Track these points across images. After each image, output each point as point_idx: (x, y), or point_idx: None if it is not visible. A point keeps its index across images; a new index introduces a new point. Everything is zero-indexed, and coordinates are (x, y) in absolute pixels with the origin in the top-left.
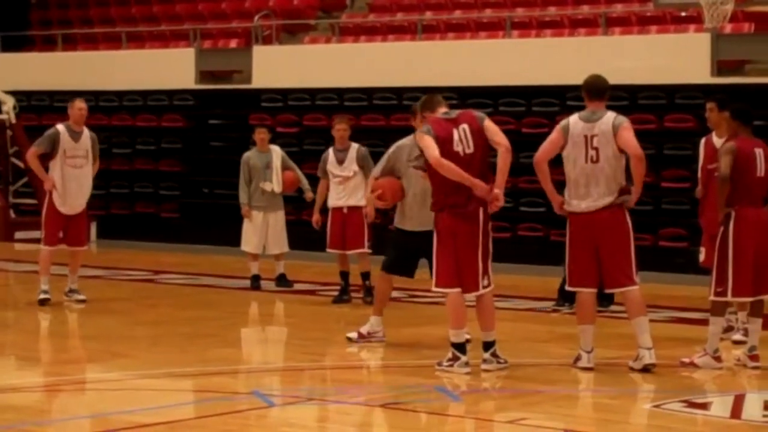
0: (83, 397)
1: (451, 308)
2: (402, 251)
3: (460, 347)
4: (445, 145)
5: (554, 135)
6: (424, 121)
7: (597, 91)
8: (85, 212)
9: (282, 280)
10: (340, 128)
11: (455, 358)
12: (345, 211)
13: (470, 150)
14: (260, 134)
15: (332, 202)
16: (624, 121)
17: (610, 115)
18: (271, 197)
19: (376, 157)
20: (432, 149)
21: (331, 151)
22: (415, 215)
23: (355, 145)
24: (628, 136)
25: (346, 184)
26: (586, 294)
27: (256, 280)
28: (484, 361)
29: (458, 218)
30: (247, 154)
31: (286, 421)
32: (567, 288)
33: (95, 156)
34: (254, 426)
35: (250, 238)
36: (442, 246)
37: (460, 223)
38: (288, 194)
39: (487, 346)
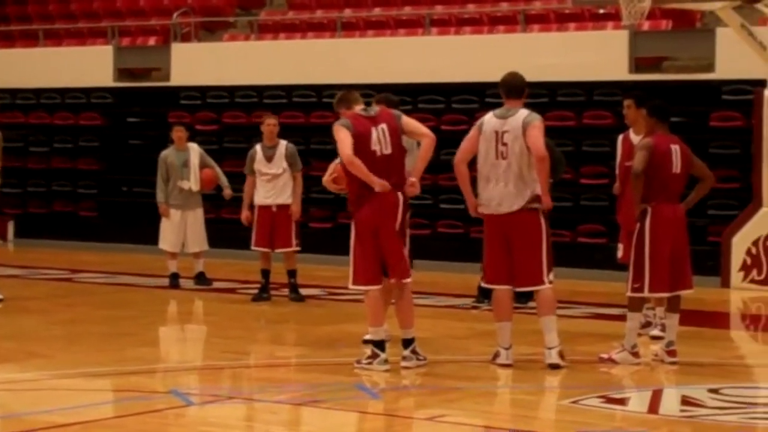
0: None
1: (370, 306)
2: None
3: (379, 345)
4: (361, 142)
5: (471, 133)
6: (343, 114)
7: (513, 89)
8: None
9: (201, 279)
10: (270, 123)
11: (374, 356)
12: (274, 209)
13: (388, 151)
14: (178, 132)
15: (260, 200)
16: (535, 119)
17: (523, 113)
18: (189, 195)
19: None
20: (346, 146)
21: (258, 148)
22: None
23: (283, 142)
24: (536, 134)
25: (275, 182)
26: (502, 291)
27: (174, 278)
28: (404, 358)
29: (379, 211)
30: (164, 153)
31: (204, 420)
32: (482, 285)
33: None
34: (172, 425)
35: (168, 236)
36: (360, 242)
37: (381, 216)
38: (206, 192)
39: (407, 343)
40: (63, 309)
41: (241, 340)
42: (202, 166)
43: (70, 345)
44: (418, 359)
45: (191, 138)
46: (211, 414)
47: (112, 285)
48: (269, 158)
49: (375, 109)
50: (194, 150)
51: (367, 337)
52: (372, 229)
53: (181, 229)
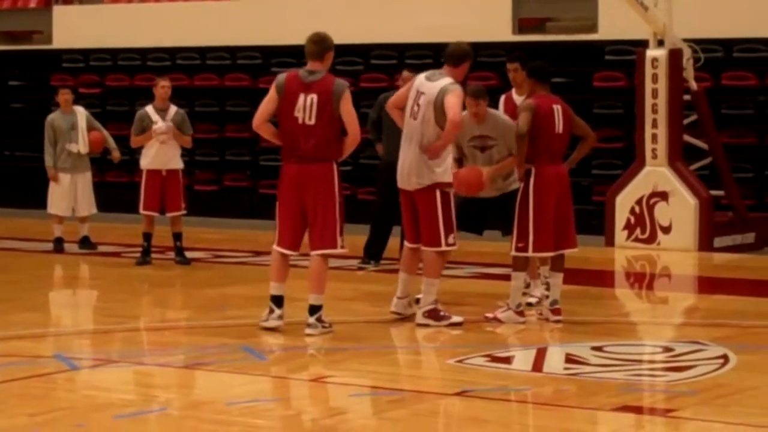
0: None
1: (274, 262)
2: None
3: (277, 300)
4: (285, 103)
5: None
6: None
7: (453, 57)
8: None
9: (86, 243)
10: (164, 86)
11: (270, 311)
12: (164, 173)
13: (311, 122)
14: (63, 95)
15: (149, 165)
16: (456, 89)
17: (446, 80)
18: (77, 159)
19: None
20: (260, 110)
21: (150, 110)
22: None
23: (174, 107)
24: (452, 100)
25: (167, 141)
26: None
27: (59, 242)
28: (308, 325)
29: (299, 172)
30: (51, 117)
31: (89, 384)
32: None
33: None
34: (58, 389)
35: (58, 200)
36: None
37: (300, 176)
38: (95, 154)
39: (313, 310)
40: None
41: (126, 304)
42: (90, 128)
43: None
44: (323, 327)
45: (75, 101)
46: (96, 378)
47: None
48: (160, 120)
49: (321, 74)
50: (81, 113)
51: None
52: (296, 189)
53: (71, 193)
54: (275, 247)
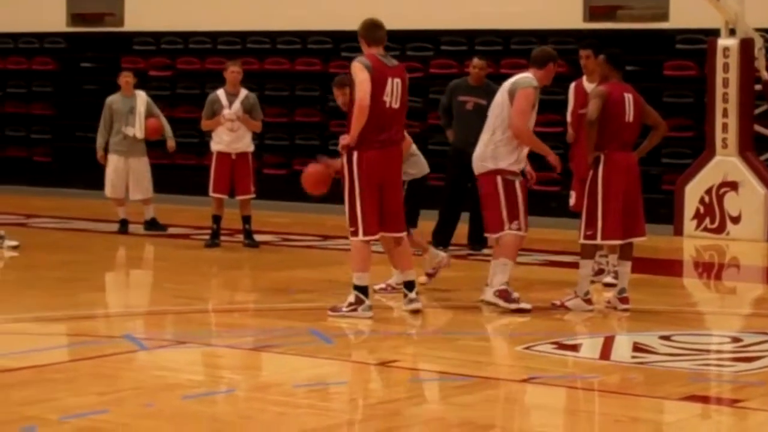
0: None
1: (359, 251)
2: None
3: (365, 290)
4: (376, 89)
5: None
6: (365, 48)
7: (537, 60)
8: None
9: (153, 224)
10: (234, 71)
11: (359, 302)
12: (233, 156)
13: (396, 105)
14: (125, 78)
15: (219, 147)
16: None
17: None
18: (133, 142)
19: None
20: (362, 87)
21: (221, 93)
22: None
23: (244, 91)
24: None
25: (236, 129)
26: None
27: (123, 224)
28: (411, 300)
29: (389, 159)
30: (110, 98)
31: (157, 365)
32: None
33: None
34: (125, 369)
35: (112, 182)
36: (367, 190)
37: (389, 164)
38: (150, 140)
39: (413, 285)
40: (17, 254)
41: (195, 286)
42: (148, 114)
43: (24, 289)
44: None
45: (145, 84)
46: (163, 358)
47: (66, 230)
48: (230, 105)
49: (392, 59)
50: (141, 97)
51: (355, 282)
52: (378, 175)
53: (124, 176)
54: (362, 237)
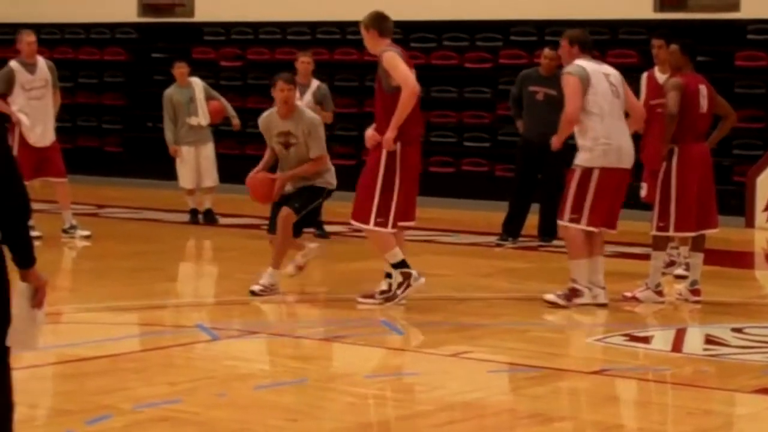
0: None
1: (385, 240)
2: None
3: (404, 263)
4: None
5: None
6: (377, 40)
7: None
8: (57, 144)
9: (209, 216)
10: (304, 61)
11: (407, 276)
12: None
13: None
14: (179, 69)
15: None
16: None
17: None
18: (198, 131)
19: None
20: (411, 76)
21: None
22: None
23: (315, 82)
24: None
25: None
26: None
27: (194, 214)
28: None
29: (418, 152)
30: (168, 91)
31: (229, 354)
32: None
33: (55, 85)
34: (198, 359)
35: (185, 174)
36: (407, 182)
37: (419, 157)
38: (215, 124)
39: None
40: (89, 244)
41: None
42: (208, 98)
43: (96, 279)
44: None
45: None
46: (235, 348)
47: (138, 220)
48: (301, 96)
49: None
50: (197, 84)
51: (391, 260)
52: (417, 169)
53: (196, 165)
54: (398, 222)
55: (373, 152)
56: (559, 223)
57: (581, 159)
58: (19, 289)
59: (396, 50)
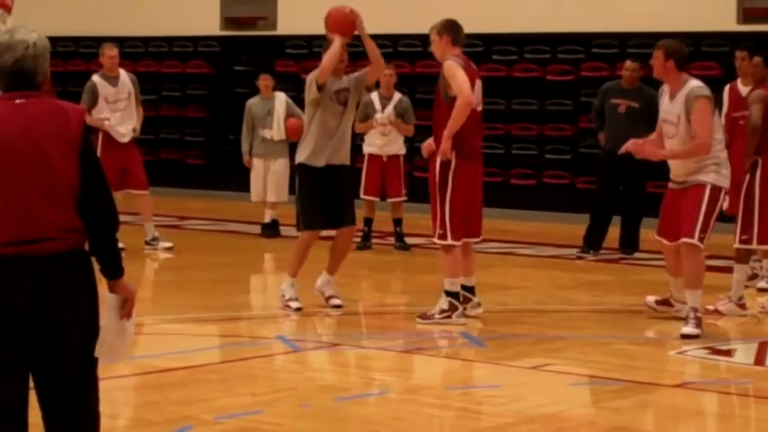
0: (98, 343)
1: (455, 257)
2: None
3: (458, 296)
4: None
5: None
6: (448, 47)
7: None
8: (140, 156)
9: (271, 228)
10: (387, 74)
11: (453, 308)
12: (384, 159)
13: (480, 108)
14: (264, 81)
15: (371, 149)
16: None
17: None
18: (271, 144)
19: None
20: (467, 86)
21: (375, 97)
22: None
23: (398, 95)
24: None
25: (388, 132)
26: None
27: (266, 228)
28: (478, 304)
29: (477, 167)
30: (250, 101)
31: (310, 366)
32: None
33: (137, 98)
34: (279, 371)
35: (253, 186)
36: (462, 195)
37: (478, 171)
38: (292, 141)
39: (473, 290)
40: (171, 255)
41: (346, 288)
42: (289, 115)
43: (178, 290)
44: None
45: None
46: (316, 360)
47: (219, 232)
48: (383, 108)
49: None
50: (280, 99)
51: (447, 288)
52: (471, 183)
53: (264, 179)
54: (464, 239)
55: (431, 164)
56: (689, 241)
57: (711, 177)
58: (107, 301)
59: (459, 60)
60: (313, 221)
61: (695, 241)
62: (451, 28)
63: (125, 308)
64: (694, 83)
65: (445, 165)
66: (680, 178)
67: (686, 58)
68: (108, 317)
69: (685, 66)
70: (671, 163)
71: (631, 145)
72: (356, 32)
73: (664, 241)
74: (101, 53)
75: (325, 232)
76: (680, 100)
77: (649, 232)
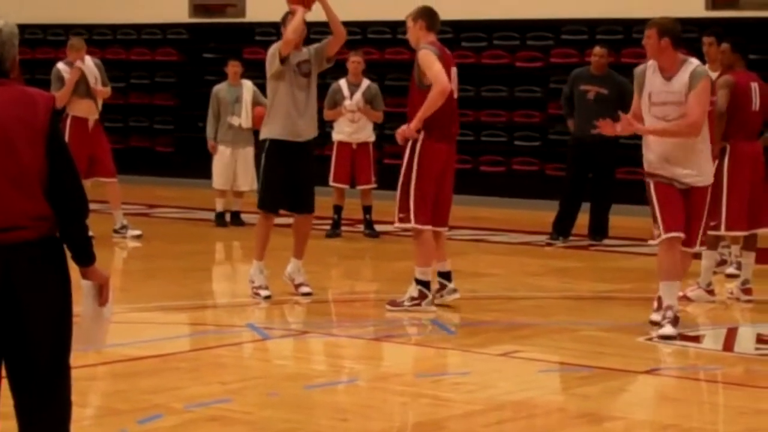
0: (76, 330)
1: (425, 245)
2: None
3: (427, 285)
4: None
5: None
6: (422, 33)
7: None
8: (108, 144)
9: (236, 218)
10: (354, 60)
11: (423, 297)
12: (354, 146)
13: (455, 95)
14: (233, 67)
15: (340, 137)
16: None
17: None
18: (239, 132)
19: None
20: (443, 75)
21: (342, 83)
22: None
23: (366, 81)
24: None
25: (357, 119)
26: None
27: (220, 217)
28: (454, 290)
29: (449, 152)
30: (216, 87)
31: (280, 354)
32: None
33: (104, 82)
34: (249, 359)
35: (217, 173)
36: (427, 179)
37: (450, 158)
38: (258, 129)
39: (449, 275)
40: (140, 243)
41: (316, 275)
42: (255, 103)
43: (147, 279)
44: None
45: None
46: (286, 348)
47: (188, 220)
48: (351, 95)
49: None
50: (247, 86)
51: (418, 276)
52: (442, 168)
53: (231, 167)
54: (431, 227)
55: (404, 149)
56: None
57: (710, 178)
58: (83, 288)
59: (434, 49)
60: (272, 202)
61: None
62: (425, 14)
63: (102, 295)
64: (695, 61)
65: (413, 146)
66: (688, 178)
67: (681, 35)
68: (85, 304)
69: (680, 44)
70: (677, 160)
71: (612, 124)
72: (317, 1)
73: (680, 234)
74: (69, 46)
75: (283, 220)
76: (682, 79)
77: (618, 219)
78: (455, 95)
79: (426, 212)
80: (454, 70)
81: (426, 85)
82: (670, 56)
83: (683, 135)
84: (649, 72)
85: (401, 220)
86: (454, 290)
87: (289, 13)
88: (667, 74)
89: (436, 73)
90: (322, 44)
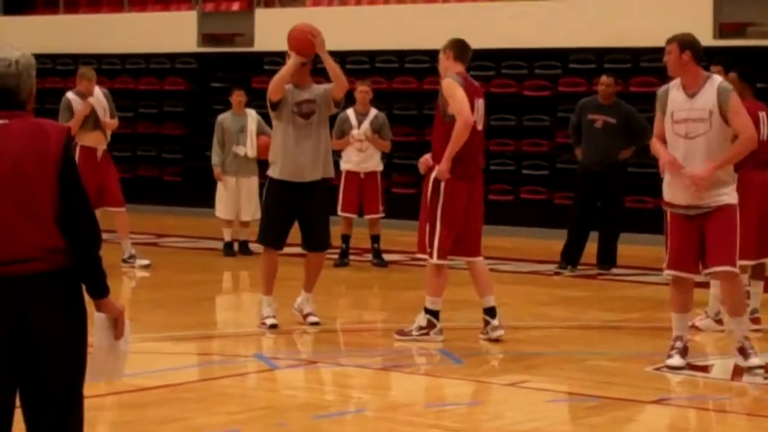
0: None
1: (439, 276)
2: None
3: (437, 315)
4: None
5: None
6: (450, 63)
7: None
8: (116, 173)
9: (243, 248)
10: (362, 90)
11: (431, 326)
12: (362, 176)
13: (480, 127)
14: (237, 96)
15: (348, 166)
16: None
17: None
18: (243, 162)
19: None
20: (466, 104)
21: (350, 113)
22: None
23: (374, 111)
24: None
25: (365, 149)
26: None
27: (228, 247)
28: (496, 327)
29: (473, 187)
30: (221, 116)
31: (288, 384)
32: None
33: (112, 112)
34: (256, 389)
35: (222, 203)
36: (452, 215)
37: (476, 189)
38: (263, 159)
39: (493, 312)
40: (148, 273)
41: (323, 305)
42: (260, 132)
43: (155, 308)
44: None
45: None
46: (295, 378)
47: (197, 249)
48: (359, 124)
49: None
50: (252, 116)
51: (428, 305)
52: (464, 203)
53: (236, 196)
54: (443, 260)
55: (425, 180)
56: (730, 270)
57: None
58: (96, 320)
59: (458, 78)
60: (270, 237)
61: (736, 268)
62: (454, 45)
63: (116, 327)
64: (719, 78)
65: (435, 184)
66: (702, 201)
67: (702, 50)
68: (98, 336)
69: (702, 59)
70: (687, 187)
71: (693, 177)
72: (316, 51)
73: (684, 275)
74: (80, 75)
75: (294, 250)
76: (708, 94)
77: (626, 248)
78: (479, 127)
79: (447, 247)
80: (480, 101)
81: (449, 115)
82: (693, 71)
83: (747, 151)
84: (673, 91)
85: (431, 255)
86: (498, 327)
87: None
88: (690, 91)
89: (459, 102)
90: (330, 87)
